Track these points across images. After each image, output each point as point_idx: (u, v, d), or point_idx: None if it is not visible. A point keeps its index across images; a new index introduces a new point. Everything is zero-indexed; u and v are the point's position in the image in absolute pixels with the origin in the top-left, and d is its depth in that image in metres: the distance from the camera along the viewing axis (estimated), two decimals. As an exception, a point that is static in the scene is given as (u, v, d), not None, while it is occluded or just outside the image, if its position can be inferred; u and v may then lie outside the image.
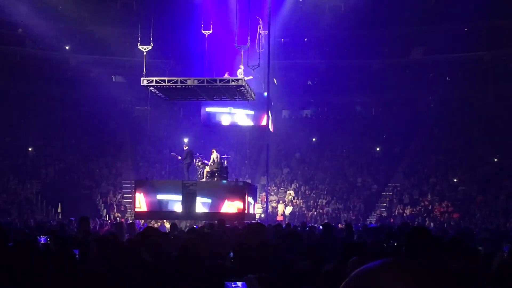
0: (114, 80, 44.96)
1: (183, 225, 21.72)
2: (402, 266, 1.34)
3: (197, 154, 25.52)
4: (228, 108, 34.87)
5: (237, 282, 3.84)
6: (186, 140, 29.98)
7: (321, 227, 15.18)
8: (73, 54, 42.32)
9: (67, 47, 41.69)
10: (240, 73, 25.25)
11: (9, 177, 35.21)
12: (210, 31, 25.89)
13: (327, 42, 43.57)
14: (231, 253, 5.71)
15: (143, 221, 24.09)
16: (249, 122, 34.92)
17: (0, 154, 36.88)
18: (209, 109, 35.54)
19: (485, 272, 4.42)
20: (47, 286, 4.68)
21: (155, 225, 22.86)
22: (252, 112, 34.28)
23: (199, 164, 24.61)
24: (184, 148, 24.67)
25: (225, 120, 35.60)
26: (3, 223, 20.75)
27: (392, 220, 31.85)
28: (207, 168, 23.79)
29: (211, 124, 36.64)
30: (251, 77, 25.60)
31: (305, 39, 45.32)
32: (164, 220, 24.31)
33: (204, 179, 23.79)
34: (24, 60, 42.21)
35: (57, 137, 39.54)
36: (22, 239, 9.23)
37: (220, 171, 23.76)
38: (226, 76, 24.11)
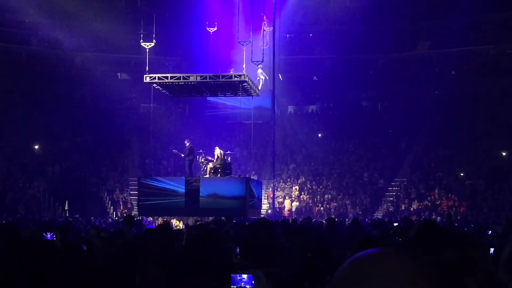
0: (119, 77, 45.05)
1: (190, 221, 21.76)
2: (398, 254, 1.32)
3: (200, 151, 25.53)
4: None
5: (243, 275, 3.84)
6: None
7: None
8: (79, 52, 42.36)
9: (72, 45, 41.70)
10: (261, 73, 25.43)
11: (16, 175, 35.31)
12: (215, 29, 25.94)
13: (332, 38, 43.45)
14: (237, 249, 5.71)
15: (150, 218, 24.15)
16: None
17: (7, 152, 36.96)
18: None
19: (488, 263, 4.40)
20: (57, 282, 4.68)
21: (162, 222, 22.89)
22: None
23: (202, 160, 24.63)
24: (186, 145, 24.60)
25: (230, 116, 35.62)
26: (12, 221, 20.82)
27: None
28: (211, 165, 23.83)
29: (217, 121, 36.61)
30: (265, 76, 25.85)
31: (310, 35, 45.25)
32: (172, 217, 24.36)
33: (207, 175, 23.82)
34: (29, 58, 42.30)
35: (63, 135, 39.61)
36: (30, 236, 9.24)
37: (224, 167, 23.79)
38: (231, 72, 24.12)
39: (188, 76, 23.77)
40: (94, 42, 41.84)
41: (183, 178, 23.29)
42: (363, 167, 38.57)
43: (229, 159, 25.23)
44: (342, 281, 1.31)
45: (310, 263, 5.37)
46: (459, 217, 30.27)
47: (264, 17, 26.92)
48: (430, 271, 1.28)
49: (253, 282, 3.69)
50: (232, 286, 3.80)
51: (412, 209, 33.41)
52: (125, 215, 29.71)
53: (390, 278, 1.27)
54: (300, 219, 20.85)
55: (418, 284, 1.25)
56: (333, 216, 23.77)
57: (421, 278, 1.26)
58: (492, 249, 8.55)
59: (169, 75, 24.10)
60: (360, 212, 33.33)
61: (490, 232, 11.76)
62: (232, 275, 3.86)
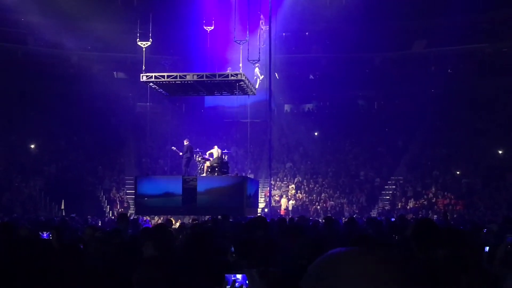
0: (116, 76, 44.99)
1: (186, 220, 21.78)
2: (362, 254, 1.35)
3: (197, 149, 25.55)
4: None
5: (237, 275, 3.84)
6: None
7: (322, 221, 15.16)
8: (75, 51, 42.29)
9: (68, 44, 41.63)
10: (258, 72, 25.42)
11: (12, 174, 35.25)
12: (212, 27, 25.95)
13: (328, 36, 43.50)
14: (232, 248, 5.72)
15: (146, 217, 24.16)
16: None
17: (4, 151, 36.90)
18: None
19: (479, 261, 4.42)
20: (54, 281, 4.69)
21: (159, 221, 22.91)
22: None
23: (199, 159, 24.65)
24: (185, 143, 24.64)
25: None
26: (9, 220, 20.77)
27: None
28: (208, 163, 23.85)
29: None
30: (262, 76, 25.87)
31: (307, 33, 45.27)
32: (168, 216, 24.36)
33: (204, 174, 23.84)
34: (26, 57, 42.20)
35: (59, 134, 39.56)
36: (26, 236, 9.25)
37: (221, 166, 23.82)
38: (228, 71, 24.14)
39: (185, 75, 23.77)
40: (90, 41, 41.80)
41: (180, 177, 23.29)
42: (360, 166, 38.62)
43: (226, 157, 25.26)
44: (308, 278, 1.38)
45: (307, 262, 5.39)
46: (455, 216, 30.32)
47: (261, 16, 26.95)
48: (393, 270, 1.31)
49: (247, 282, 3.69)
50: (227, 287, 3.81)
51: (408, 207, 33.46)
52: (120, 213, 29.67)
53: (350, 276, 1.31)
54: (296, 218, 20.87)
55: (378, 283, 1.29)
56: (329, 215, 23.80)
57: (382, 278, 1.30)
58: (487, 248, 8.56)
59: (165, 74, 24.11)
60: (357, 211, 33.38)
61: (485, 230, 11.77)
62: (226, 275, 3.86)
